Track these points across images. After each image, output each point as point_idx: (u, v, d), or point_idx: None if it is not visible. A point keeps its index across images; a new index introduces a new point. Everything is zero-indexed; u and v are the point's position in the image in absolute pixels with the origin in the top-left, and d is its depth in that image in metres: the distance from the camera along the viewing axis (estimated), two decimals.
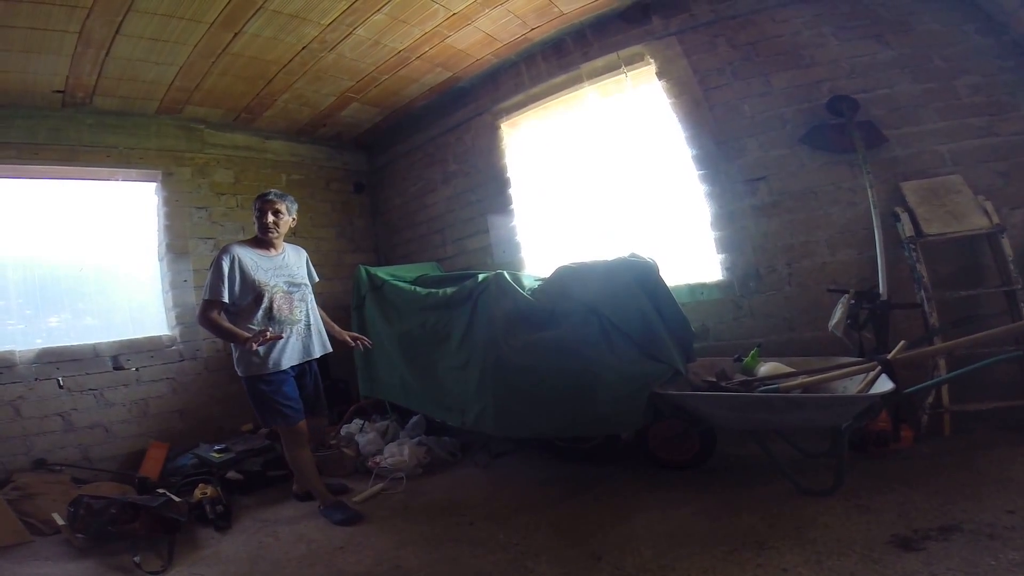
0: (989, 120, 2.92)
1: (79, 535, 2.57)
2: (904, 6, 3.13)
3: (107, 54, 3.24)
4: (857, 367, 2.40)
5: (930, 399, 2.62)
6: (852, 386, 2.40)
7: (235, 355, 2.78)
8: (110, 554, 2.51)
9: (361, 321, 3.69)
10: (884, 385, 2.21)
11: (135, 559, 2.39)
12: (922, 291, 2.71)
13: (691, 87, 3.56)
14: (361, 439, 3.56)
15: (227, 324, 2.65)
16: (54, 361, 3.49)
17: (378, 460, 3.29)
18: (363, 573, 2.21)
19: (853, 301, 2.72)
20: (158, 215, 4.17)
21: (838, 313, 2.73)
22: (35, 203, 3.79)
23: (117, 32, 3.05)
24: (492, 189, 4.48)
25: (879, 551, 1.77)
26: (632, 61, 3.79)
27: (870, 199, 2.90)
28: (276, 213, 2.83)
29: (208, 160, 4.41)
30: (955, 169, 2.92)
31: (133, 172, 4.06)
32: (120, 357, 3.73)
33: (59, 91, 3.53)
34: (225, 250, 2.71)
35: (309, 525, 2.76)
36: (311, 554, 2.43)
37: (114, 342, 3.76)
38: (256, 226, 2.86)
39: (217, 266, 2.65)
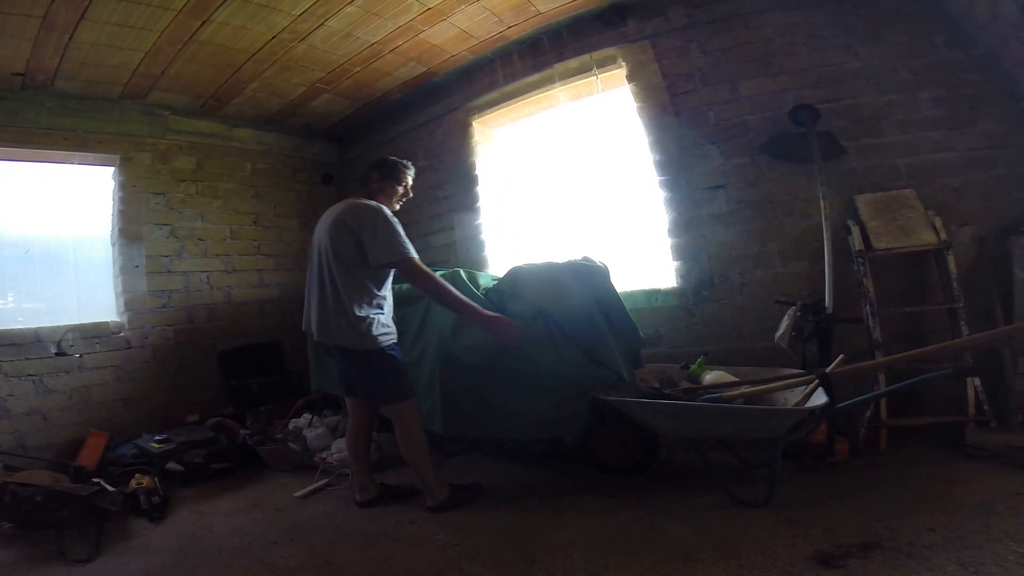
0: (947, 134, 2.94)
1: (5, 523, 2.52)
2: (879, 16, 3.10)
3: (71, 39, 3.16)
4: (797, 379, 2.41)
5: (868, 413, 2.63)
6: (793, 398, 2.42)
7: (361, 326, 2.45)
8: (36, 543, 2.46)
9: None
10: (820, 399, 2.22)
11: (58, 548, 2.34)
12: (867, 306, 2.73)
13: (659, 92, 3.55)
14: (309, 434, 3.51)
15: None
16: None
17: (324, 456, 3.25)
18: (293, 568, 2.18)
19: (799, 314, 2.72)
20: (113, 200, 4.07)
21: (784, 325, 2.73)
22: None
23: (82, 17, 2.97)
24: (460, 187, 4.45)
25: (800, 567, 1.76)
26: (604, 63, 3.78)
27: (822, 211, 2.91)
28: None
29: (170, 146, 4.31)
30: (910, 183, 2.94)
31: (90, 156, 3.96)
32: (63, 342, 3.63)
33: (19, 73, 3.43)
34: (384, 208, 2.51)
35: (247, 518, 2.73)
36: (244, 547, 2.40)
37: (58, 327, 3.65)
38: (398, 194, 2.70)
39: (390, 222, 2.44)
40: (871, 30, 3.12)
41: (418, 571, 2.07)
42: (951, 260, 2.65)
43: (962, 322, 2.58)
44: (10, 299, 3.73)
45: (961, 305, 2.59)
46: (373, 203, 2.55)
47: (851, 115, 3.09)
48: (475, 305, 2.52)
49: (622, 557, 1.99)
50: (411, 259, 2.44)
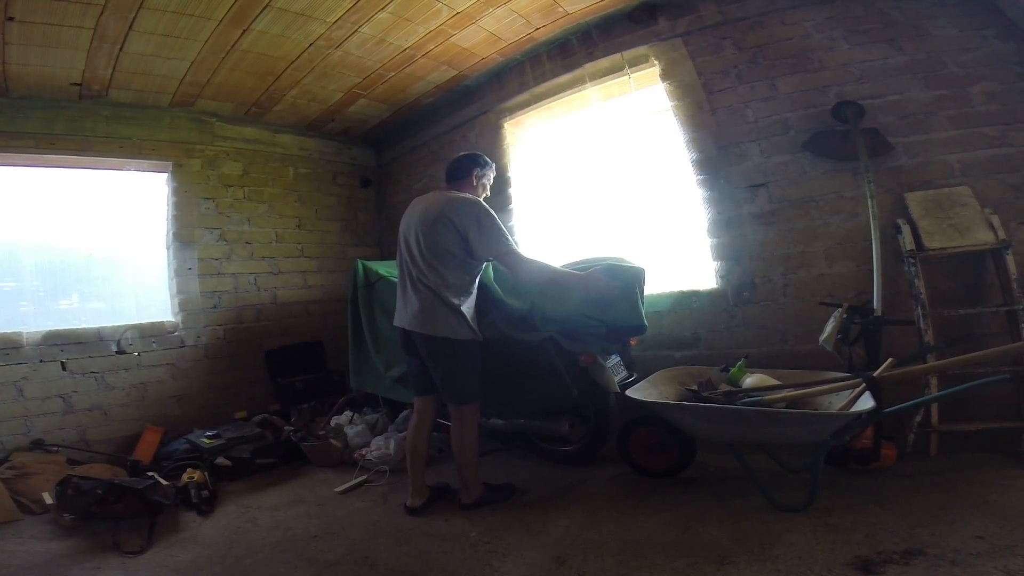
0: (1003, 129, 2.78)
1: (67, 515, 2.65)
2: (921, 10, 3.00)
3: (121, 49, 3.34)
4: (842, 383, 2.34)
5: (919, 418, 2.52)
6: (838, 402, 2.34)
7: (458, 316, 2.52)
8: (94, 534, 2.58)
9: (356, 315, 3.70)
10: (866, 403, 2.15)
11: (114, 539, 2.46)
12: (919, 307, 2.61)
13: (695, 90, 3.48)
14: (350, 431, 3.60)
15: None
16: (59, 343, 3.60)
17: (364, 452, 3.33)
18: (331, 562, 2.25)
19: (845, 316, 2.63)
20: (167, 205, 4.27)
21: (829, 327, 2.65)
22: (50, 190, 3.91)
23: (130, 28, 3.14)
24: (492, 188, 4.43)
25: (837, 572, 1.73)
26: (636, 62, 3.74)
27: (870, 209, 2.80)
28: None
29: (218, 152, 4.50)
30: (964, 180, 2.79)
31: (145, 163, 4.17)
32: (123, 341, 3.83)
33: (76, 84, 3.65)
34: (482, 202, 2.60)
35: (289, 513, 2.82)
36: (285, 541, 2.49)
37: (118, 326, 3.86)
38: (484, 189, 2.82)
39: (492, 215, 2.52)
40: (913, 24, 2.99)
41: (450, 568, 2.11)
42: (1011, 260, 2.51)
43: (1023, 325, 2.44)
44: (75, 299, 3.98)
45: (1022, 307, 2.45)
46: (470, 196, 2.62)
47: (898, 111, 2.96)
48: (573, 272, 2.67)
49: (654, 559, 1.98)
50: (514, 252, 2.53)
